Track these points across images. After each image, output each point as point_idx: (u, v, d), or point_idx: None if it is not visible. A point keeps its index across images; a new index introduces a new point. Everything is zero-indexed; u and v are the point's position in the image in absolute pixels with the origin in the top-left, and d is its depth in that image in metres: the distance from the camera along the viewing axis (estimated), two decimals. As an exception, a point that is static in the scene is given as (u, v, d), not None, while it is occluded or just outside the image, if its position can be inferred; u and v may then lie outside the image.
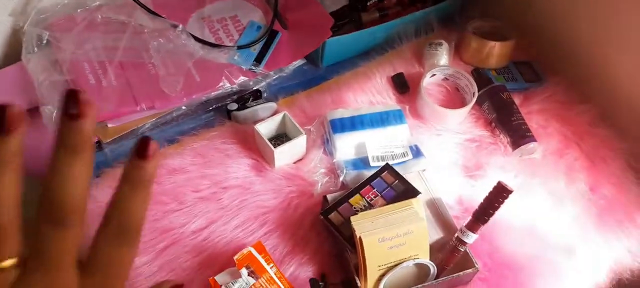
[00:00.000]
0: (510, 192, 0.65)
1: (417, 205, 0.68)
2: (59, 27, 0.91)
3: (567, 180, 0.82)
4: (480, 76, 0.92)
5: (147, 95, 0.86)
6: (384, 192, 0.73)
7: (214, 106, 0.90)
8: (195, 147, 0.83)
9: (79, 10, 0.94)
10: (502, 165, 0.83)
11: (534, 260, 0.74)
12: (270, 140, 0.82)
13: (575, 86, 0.93)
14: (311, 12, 0.97)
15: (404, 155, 0.81)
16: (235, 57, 0.93)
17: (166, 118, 0.88)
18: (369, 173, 0.79)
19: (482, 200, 0.68)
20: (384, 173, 0.75)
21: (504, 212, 0.67)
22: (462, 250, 0.68)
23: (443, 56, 0.93)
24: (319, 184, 0.78)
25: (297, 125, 0.80)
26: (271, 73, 0.93)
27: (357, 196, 0.72)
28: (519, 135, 0.84)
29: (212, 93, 0.89)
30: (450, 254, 0.69)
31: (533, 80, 0.95)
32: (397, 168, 0.80)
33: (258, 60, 0.93)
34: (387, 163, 0.76)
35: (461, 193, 0.80)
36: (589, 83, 0.91)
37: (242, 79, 0.91)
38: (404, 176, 0.75)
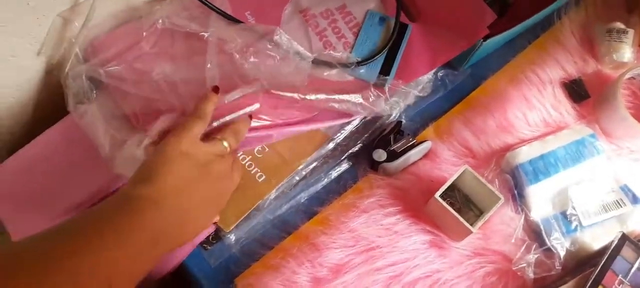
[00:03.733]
0: None
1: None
2: (108, 53, 0.63)
3: None
4: (672, 71, 0.72)
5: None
6: (629, 276, 0.56)
7: (348, 153, 0.67)
8: (347, 222, 0.62)
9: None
10: None
11: None
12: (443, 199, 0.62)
13: None
14: (454, -3, 0.71)
15: (618, 204, 0.63)
16: (361, 71, 0.68)
17: (291, 182, 0.65)
18: (584, 238, 0.61)
19: None
20: (622, 249, 0.58)
21: None
22: None
23: (628, 49, 0.72)
24: (531, 265, 0.60)
25: (490, 187, 0.60)
26: (411, 91, 0.69)
27: (600, 289, 0.56)
28: None
29: (341, 134, 0.66)
30: None
31: None
32: (613, 223, 0.63)
33: (385, 70, 0.69)
34: (623, 234, 0.58)
35: (688, 243, 0.64)
36: None
37: (372, 100, 0.66)
38: (645, 248, 0.58)
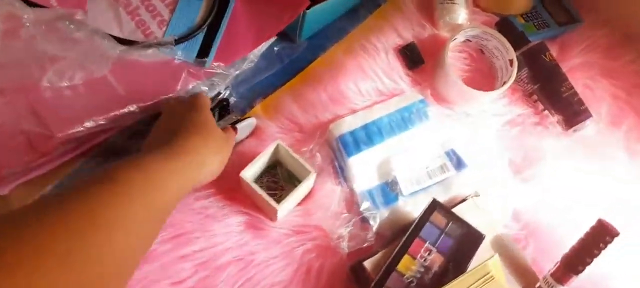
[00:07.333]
0: (615, 235, 0.49)
1: (495, 267, 0.51)
2: None
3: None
4: (510, 30, 0.71)
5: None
6: (438, 243, 0.55)
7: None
8: (158, 209, 0.58)
9: None
10: (557, 152, 0.66)
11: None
12: (261, 178, 0.60)
13: (616, 25, 0.75)
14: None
15: (442, 169, 0.62)
16: (178, 51, 0.63)
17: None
18: (405, 207, 0.60)
19: (575, 243, 0.52)
20: (432, 215, 0.56)
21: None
22: (550, 305, 0.53)
23: (461, 10, 0.70)
24: (344, 238, 0.58)
25: (302, 161, 0.57)
26: (230, 73, 0.65)
27: (406, 257, 0.54)
28: (571, 112, 0.67)
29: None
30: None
31: (567, 22, 0.75)
32: (437, 190, 0.61)
33: (203, 52, 0.64)
34: (434, 200, 0.56)
35: (516, 203, 0.63)
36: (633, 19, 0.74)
37: (191, 83, 0.62)
38: (456, 213, 0.56)
